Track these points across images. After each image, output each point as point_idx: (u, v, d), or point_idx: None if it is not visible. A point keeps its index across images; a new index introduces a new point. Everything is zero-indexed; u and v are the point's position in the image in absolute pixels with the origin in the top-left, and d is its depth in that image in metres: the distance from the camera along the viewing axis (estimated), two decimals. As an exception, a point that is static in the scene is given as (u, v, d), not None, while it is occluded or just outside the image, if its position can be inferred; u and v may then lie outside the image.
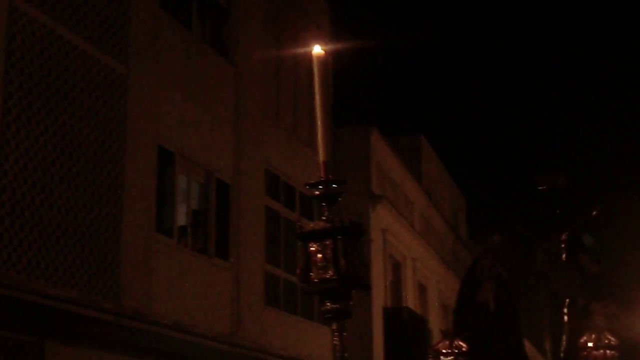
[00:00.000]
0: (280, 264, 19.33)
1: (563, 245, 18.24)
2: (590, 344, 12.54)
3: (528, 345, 34.13)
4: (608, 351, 12.50)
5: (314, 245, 4.79)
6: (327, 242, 4.75)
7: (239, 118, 18.06)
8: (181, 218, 16.34)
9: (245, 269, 17.60)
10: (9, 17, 12.12)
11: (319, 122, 5.07)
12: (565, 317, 16.99)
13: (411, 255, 27.11)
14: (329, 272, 4.72)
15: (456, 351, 11.19)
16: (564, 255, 18.14)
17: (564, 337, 16.55)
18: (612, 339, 12.66)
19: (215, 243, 16.92)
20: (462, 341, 11.26)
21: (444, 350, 11.26)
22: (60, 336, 12.47)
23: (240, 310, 17.33)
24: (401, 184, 26.84)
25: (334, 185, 4.91)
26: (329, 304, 4.80)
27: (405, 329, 23.61)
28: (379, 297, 23.35)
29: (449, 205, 34.32)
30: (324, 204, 4.90)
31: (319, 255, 4.75)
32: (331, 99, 23.42)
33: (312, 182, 4.96)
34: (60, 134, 12.83)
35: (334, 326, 4.85)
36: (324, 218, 4.83)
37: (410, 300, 26.32)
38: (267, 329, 18.27)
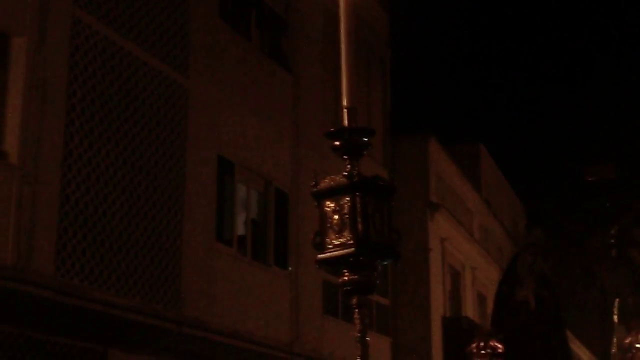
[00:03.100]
0: (339, 272, 19.31)
1: (612, 240, 17.69)
2: (637, 345, 12.12)
3: (580, 345, 33.70)
4: None
5: (331, 205, 4.08)
6: (345, 201, 4.03)
7: (298, 127, 18.12)
8: (240, 227, 16.43)
9: (304, 277, 17.64)
10: (72, 30, 12.31)
11: (344, 65, 4.36)
12: (615, 317, 16.49)
13: (470, 264, 26.94)
14: (345, 235, 4.00)
15: (490, 352, 10.83)
16: (613, 251, 17.59)
17: (615, 338, 16.07)
18: None
19: (274, 252, 16.99)
20: (497, 342, 10.93)
21: (476, 351, 10.91)
22: (122, 344, 12.61)
23: (299, 319, 17.37)
24: (460, 193, 26.71)
25: (357, 136, 4.20)
26: (347, 274, 4.06)
27: (465, 339, 23.40)
28: (438, 307, 23.24)
29: (508, 213, 34.06)
30: (345, 157, 4.17)
31: (336, 217, 4.04)
32: (390, 106, 23.40)
33: (332, 130, 4.23)
34: (122, 145, 12.99)
35: (354, 301, 4.11)
36: (344, 173, 4.12)
37: (470, 309, 26.15)
38: (325, 338, 18.28)
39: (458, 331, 23.49)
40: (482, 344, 10.91)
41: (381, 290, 21.67)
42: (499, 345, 10.90)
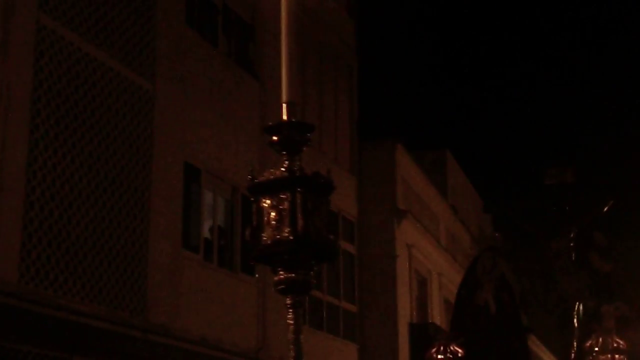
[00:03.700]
0: (306, 279, 19.30)
1: (572, 244, 17.64)
2: (596, 348, 12.10)
3: (545, 351, 33.83)
4: (617, 355, 12.01)
5: (268, 201, 3.93)
6: (284, 196, 3.89)
7: (264, 134, 18.07)
8: (207, 234, 16.37)
9: (271, 284, 17.55)
10: (36, 35, 12.22)
11: (283, 60, 4.27)
12: (575, 321, 16.45)
13: (437, 270, 27.01)
14: (284, 231, 3.85)
15: (451, 357, 10.77)
16: (573, 255, 17.56)
17: (575, 342, 16.02)
18: (621, 342, 12.15)
19: (241, 259, 16.93)
20: (458, 346, 10.87)
21: (437, 356, 10.84)
22: (87, 352, 12.51)
23: (266, 326, 17.33)
24: (426, 199, 26.78)
25: (296, 131, 4.04)
26: (282, 272, 3.93)
27: (432, 345, 23.45)
28: (405, 313, 23.27)
29: (474, 219, 34.19)
30: (284, 152, 4.01)
31: (273, 213, 3.89)
32: (357, 113, 23.43)
33: (270, 124, 4.08)
34: (87, 151, 12.91)
35: (288, 301, 3.98)
36: (282, 168, 3.96)
37: (436, 316, 26.20)
38: (293, 344, 18.23)
39: (425, 337, 23.51)
40: (442, 348, 10.84)
41: (348, 296, 21.67)
42: (459, 350, 10.84)
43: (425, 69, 54.89)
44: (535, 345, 30.72)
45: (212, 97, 16.39)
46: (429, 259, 26.13)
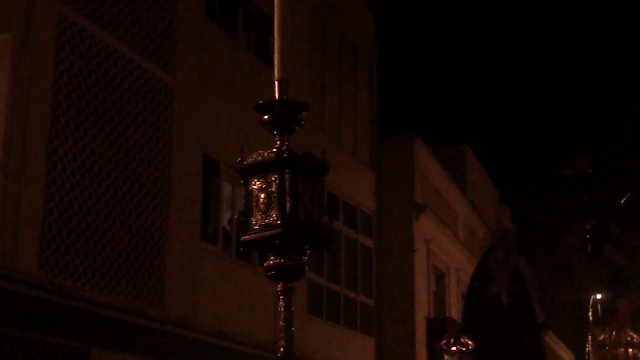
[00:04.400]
0: (324, 273, 19.31)
1: (588, 236, 17.51)
2: (610, 342, 11.99)
3: (566, 350, 33.69)
4: (630, 349, 11.88)
5: (258, 183, 3.82)
6: (273, 178, 3.77)
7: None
8: (226, 226, 16.40)
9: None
10: (58, 27, 12.26)
11: (276, 36, 4.12)
12: (591, 314, 16.34)
13: (455, 265, 26.98)
14: (273, 215, 3.71)
15: (463, 349, 10.68)
16: (589, 248, 17.42)
17: (590, 335, 15.89)
18: (635, 336, 12.02)
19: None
20: (469, 339, 10.77)
21: (447, 348, 10.76)
22: (106, 343, 12.57)
23: (283, 319, 17.34)
24: (445, 194, 26.73)
25: (289, 109, 3.92)
26: (272, 258, 3.74)
27: (442, 338, 23.41)
28: (423, 308, 23.25)
29: (493, 215, 34.10)
30: (275, 132, 3.92)
31: (263, 196, 3.76)
32: (376, 107, 23.40)
33: (262, 102, 3.97)
34: (107, 143, 12.95)
35: (279, 287, 3.77)
36: (274, 150, 3.88)
37: (454, 310, 26.17)
38: (310, 338, 18.26)
39: (442, 332, 23.47)
40: (452, 340, 10.76)
41: (366, 290, 21.67)
42: (470, 342, 10.75)
43: (444, 64, 54.78)
44: (554, 343, 30.61)
45: (232, 89, 16.41)
46: (447, 253, 26.10)
